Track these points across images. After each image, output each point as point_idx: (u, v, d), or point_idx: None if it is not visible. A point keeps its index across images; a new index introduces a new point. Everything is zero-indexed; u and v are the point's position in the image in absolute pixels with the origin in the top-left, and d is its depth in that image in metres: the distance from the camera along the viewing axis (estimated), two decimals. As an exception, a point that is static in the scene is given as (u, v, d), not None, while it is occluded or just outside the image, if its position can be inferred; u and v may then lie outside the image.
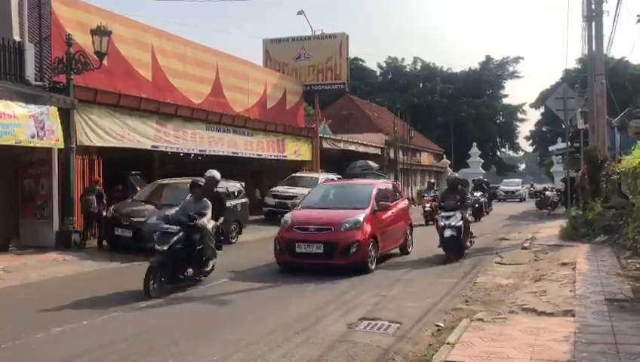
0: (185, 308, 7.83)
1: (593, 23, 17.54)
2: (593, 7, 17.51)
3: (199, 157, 20.57)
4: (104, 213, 13.72)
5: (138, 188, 16.00)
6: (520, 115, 71.68)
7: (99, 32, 13.02)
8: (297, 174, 23.66)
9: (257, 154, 22.19)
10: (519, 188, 48.11)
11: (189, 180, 14.95)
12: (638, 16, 6.20)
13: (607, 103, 18.14)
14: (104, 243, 13.62)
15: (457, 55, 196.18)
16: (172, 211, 9.39)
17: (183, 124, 17.69)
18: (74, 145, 13.35)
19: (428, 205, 21.40)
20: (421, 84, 67.93)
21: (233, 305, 8.11)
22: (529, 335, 5.79)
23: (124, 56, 16.03)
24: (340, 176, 25.23)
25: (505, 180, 55.30)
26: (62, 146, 12.77)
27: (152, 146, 16.56)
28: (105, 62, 13.72)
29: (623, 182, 14.30)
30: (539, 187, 46.74)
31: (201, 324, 6.96)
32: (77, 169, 13.68)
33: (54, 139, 12.35)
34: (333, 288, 9.14)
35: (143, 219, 12.69)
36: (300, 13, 29.26)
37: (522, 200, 45.52)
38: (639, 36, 61.10)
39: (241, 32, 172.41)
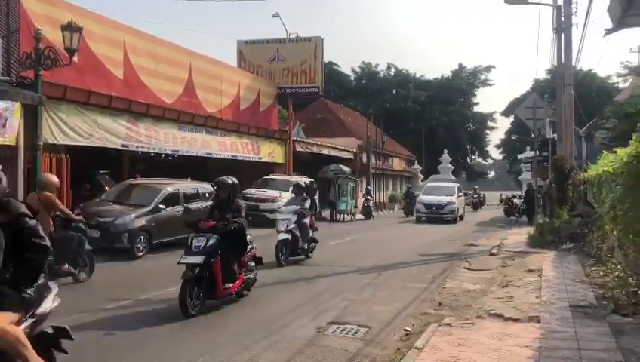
0: (152, 310, 7.71)
1: (563, 35, 17.93)
2: (563, 19, 17.90)
3: (170, 158, 20.36)
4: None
5: (106, 188, 15.75)
6: (490, 123, 72.93)
7: (69, 27, 12.77)
8: (270, 177, 23.58)
9: (232, 156, 22.06)
10: (451, 199, 26.95)
11: (160, 181, 15.03)
12: (605, 29, 6.36)
13: (574, 114, 18.54)
14: None
15: (430, 63, 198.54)
16: None
17: (154, 124, 17.47)
18: (41, 143, 13.06)
19: None
20: (394, 90, 68.58)
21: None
22: (495, 340, 5.86)
23: (95, 53, 15.77)
24: (312, 180, 25.26)
25: (429, 185, 32.87)
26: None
27: (122, 146, 16.31)
28: (75, 58, 13.47)
29: (588, 191, 14.62)
30: (489, 195, 45.21)
31: (168, 326, 6.86)
32: (44, 167, 13.38)
33: (13, 135, 12.03)
34: (304, 291, 9.12)
35: (110, 219, 12.52)
36: (276, 15, 29.18)
37: (456, 219, 26.94)
38: (606, 49, 62.55)
39: (215, 33, 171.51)
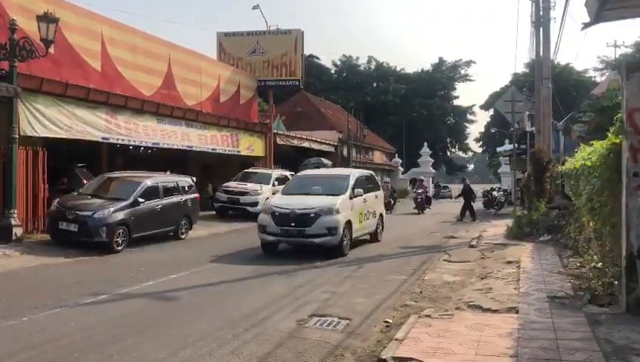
0: (131, 304, 7.64)
1: (541, 29, 18.11)
2: (541, 13, 18.08)
3: (149, 151, 20.17)
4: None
5: (84, 181, 15.55)
6: (470, 117, 73.48)
7: (45, 18, 12.54)
8: (250, 170, 23.50)
9: (212, 149, 21.93)
10: (332, 203, 12.44)
11: (138, 173, 14.89)
12: (582, 24, 6.39)
13: (552, 107, 18.76)
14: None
15: (411, 57, 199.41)
16: None
17: (133, 116, 17.28)
18: (17, 135, 12.83)
19: None
20: (375, 84, 68.73)
21: (181, 301, 7.97)
22: (474, 331, 5.91)
23: (72, 44, 15.50)
24: (293, 173, 25.23)
25: (301, 174, 16.42)
26: None
27: (103, 138, 16.11)
28: (51, 50, 13.23)
29: (566, 183, 14.81)
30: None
31: (147, 320, 6.81)
32: (20, 160, 13.15)
33: None
34: (284, 284, 9.12)
35: (89, 213, 12.37)
36: (256, 7, 28.96)
37: (343, 244, 12.34)
38: (583, 43, 63.28)
39: (194, 25, 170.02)
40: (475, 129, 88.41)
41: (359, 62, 71.31)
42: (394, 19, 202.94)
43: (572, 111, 29.39)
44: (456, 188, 62.04)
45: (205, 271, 10.43)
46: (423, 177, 38.90)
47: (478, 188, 49.42)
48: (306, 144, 31.02)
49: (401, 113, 63.12)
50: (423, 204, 29.03)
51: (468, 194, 24.95)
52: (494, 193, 31.59)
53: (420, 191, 30.56)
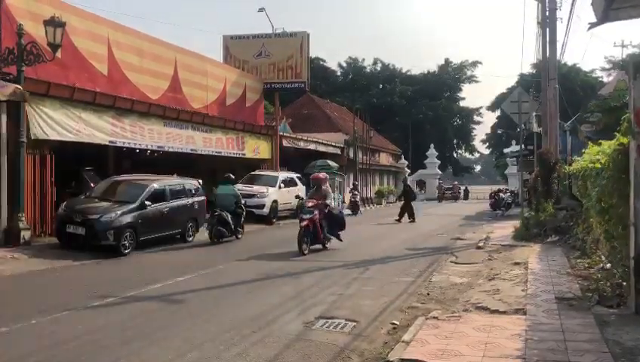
0: (138, 307, 7.66)
1: (547, 29, 18.05)
2: (547, 14, 18.03)
3: (155, 154, 20.23)
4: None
5: (92, 185, 15.61)
6: (476, 118, 73.34)
7: (52, 22, 12.61)
8: (256, 172, 23.53)
9: (217, 152, 21.96)
10: None
11: (145, 176, 14.94)
12: (589, 23, 6.35)
13: (559, 108, 18.69)
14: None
15: (417, 58, 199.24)
16: None
17: (139, 120, 17.32)
18: (24, 139, 12.89)
19: None
20: (381, 85, 68.73)
21: (189, 303, 7.98)
22: (482, 332, 5.89)
23: (78, 48, 15.57)
24: (299, 175, 25.24)
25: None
26: None
27: (110, 142, 16.16)
28: (58, 54, 13.30)
29: (573, 184, 14.74)
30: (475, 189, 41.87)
31: (154, 323, 6.82)
32: (28, 164, 13.22)
33: None
34: (291, 286, 9.12)
35: (96, 216, 12.42)
36: (261, 10, 29.05)
37: None
38: (590, 43, 63.09)
39: (201, 28, 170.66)
40: (481, 130, 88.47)
41: (365, 63, 71.41)
42: (399, 21, 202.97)
43: (579, 111, 29.30)
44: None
45: (212, 273, 10.44)
46: (323, 174, 16.66)
47: (486, 190, 49.41)
48: (312, 146, 31.00)
49: (408, 114, 63.08)
50: (317, 233, 13.29)
51: (408, 195, 25.14)
52: (501, 194, 31.53)
53: (309, 204, 13.46)
